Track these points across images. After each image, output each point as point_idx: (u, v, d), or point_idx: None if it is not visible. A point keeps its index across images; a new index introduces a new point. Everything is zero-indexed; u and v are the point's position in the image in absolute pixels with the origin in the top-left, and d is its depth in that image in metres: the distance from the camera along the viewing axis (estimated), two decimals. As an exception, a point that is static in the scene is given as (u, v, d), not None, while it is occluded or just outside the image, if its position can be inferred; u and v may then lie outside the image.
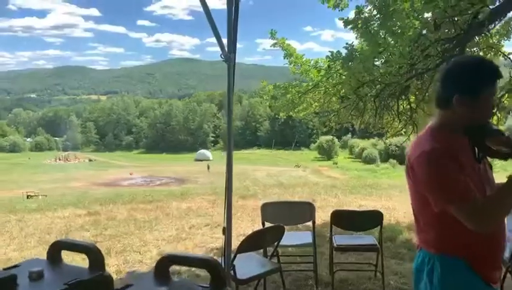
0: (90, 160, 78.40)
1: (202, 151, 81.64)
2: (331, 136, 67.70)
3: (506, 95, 5.75)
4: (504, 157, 1.87)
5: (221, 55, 2.57)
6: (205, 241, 6.25)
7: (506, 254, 3.27)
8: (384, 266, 4.27)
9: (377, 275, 4.40)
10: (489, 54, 5.82)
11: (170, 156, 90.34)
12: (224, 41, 2.61)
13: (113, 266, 5.09)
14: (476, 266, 1.66)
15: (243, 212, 8.36)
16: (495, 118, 5.80)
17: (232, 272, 3.22)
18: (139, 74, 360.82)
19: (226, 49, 2.57)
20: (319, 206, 9.04)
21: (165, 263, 1.25)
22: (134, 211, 8.98)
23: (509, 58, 5.66)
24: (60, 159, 78.85)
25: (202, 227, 7.18)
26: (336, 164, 61.89)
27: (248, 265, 3.53)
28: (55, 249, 1.30)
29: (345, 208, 8.71)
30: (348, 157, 71.27)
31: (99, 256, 1.24)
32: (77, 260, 2.60)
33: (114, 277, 4.73)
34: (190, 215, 8.42)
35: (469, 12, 4.05)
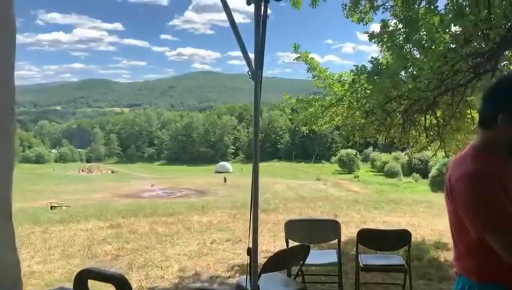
0: (112, 171, 79.62)
1: (222, 163, 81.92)
2: (353, 151, 67.07)
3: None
4: None
5: (248, 72, 2.52)
6: (227, 257, 6.17)
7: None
8: (412, 287, 4.12)
9: (405, 297, 4.23)
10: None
11: (191, 168, 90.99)
12: (251, 56, 2.57)
13: (135, 282, 5.06)
14: None
15: (264, 227, 8.26)
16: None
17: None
18: (161, 87, 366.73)
19: (253, 65, 2.53)
20: (342, 222, 8.88)
21: (83, 276, 1.17)
22: (155, 224, 8.98)
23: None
24: (83, 171, 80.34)
25: (224, 242, 7.11)
26: (357, 177, 61.13)
27: (272, 285, 3.44)
28: (82, 279, 1.25)
29: (369, 224, 8.54)
30: (370, 171, 70.34)
31: (128, 287, 1.18)
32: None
33: (136, 293, 4.70)
34: (211, 229, 8.37)
35: (502, 26, 3.92)
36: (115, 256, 6.32)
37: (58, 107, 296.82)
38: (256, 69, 2.49)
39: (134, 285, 4.93)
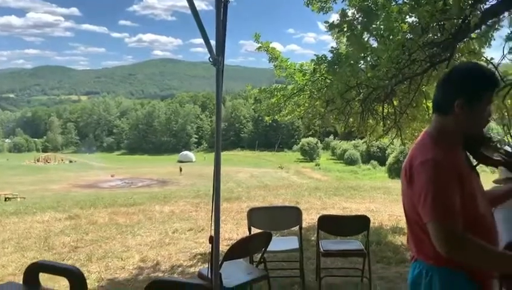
0: (70, 161, 77.04)
1: (185, 152, 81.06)
2: (314, 139, 68.11)
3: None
4: (496, 164, 1.88)
5: (209, 58, 2.48)
6: (189, 247, 6.14)
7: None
8: (371, 271, 4.26)
9: (364, 280, 4.37)
10: (471, 59, 5.88)
11: (152, 157, 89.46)
12: (212, 43, 2.53)
13: (95, 273, 4.96)
14: (477, 276, 1.63)
15: (227, 215, 8.27)
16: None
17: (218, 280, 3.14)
18: (121, 74, 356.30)
19: (215, 51, 2.49)
20: (303, 209, 9.03)
21: (34, 271, 1.14)
22: (115, 214, 8.80)
23: (492, 63, 5.73)
24: (39, 161, 77.23)
25: (186, 231, 7.07)
26: (318, 165, 62.24)
27: (235, 273, 3.46)
28: (33, 272, 1.19)
29: (330, 210, 8.73)
30: (330, 159, 71.75)
31: (82, 280, 1.14)
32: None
33: (95, 284, 4.61)
34: (173, 219, 8.29)
35: (458, 17, 4.06)
36: (73, 248, 6.16)
37: (12, 95, 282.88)
38: (218, 55, 2.46)
39: (93, 277, 4.83)
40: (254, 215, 4.39)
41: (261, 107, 7.34)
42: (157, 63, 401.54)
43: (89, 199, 12.60)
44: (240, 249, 3.40)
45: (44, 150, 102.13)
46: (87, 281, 4.69)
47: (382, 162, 54.43)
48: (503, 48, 5.23)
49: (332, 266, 4.85)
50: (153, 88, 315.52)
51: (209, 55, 2.52)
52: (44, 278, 1.35)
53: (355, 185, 14.33)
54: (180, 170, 48.07)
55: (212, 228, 2.56)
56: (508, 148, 1.88)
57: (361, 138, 7.68)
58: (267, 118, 7.35)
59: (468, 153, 1.79)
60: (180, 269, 5.21)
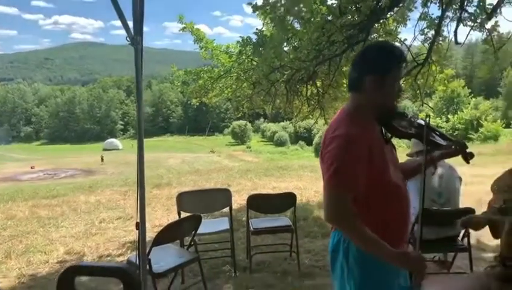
0: (-17, 153, 70.79)
1: (111, 140, 77.66)
2: (244, 121, 68.56)
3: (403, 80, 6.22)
4: (409, 137, 2.00)
5: (127, 38, 2.39)
6: (118, 235, 5.98)
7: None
8: (298, 246, 4.44)
9: (292, 255, 4.56)
10: (387, 40, 6.24)
11: (76, 146, 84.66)
12: (130, 24, 2.44)
13: (14, 270, 4.66)
14: (388, 242, 1.71)
15: (157, 202, 8.15)
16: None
17: (147, 266, 3.11)
18: (37, 59, 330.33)
19: (132, 31, 2.41)
20: (234, 191, 9.12)
21: (68, 277, 1.10)
22: (36, 207, 8.29)
23: (405, 44, 6.14)
24: None
25: (114, 220, 6.87)
26: (250, 148, 62.94)
27: (165, 257, 3.44)
28: None
29: (260, 191, 8.91)
30: (261, 141, 72.82)
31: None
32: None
33: (15, 281, 4.35)
34: (100, 208, 8.00)
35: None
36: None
37: None
38: (136, 34, 2.38)
39: (13, 273, 4.55)
40: (183, 199, 4.37)
41: (187, 90, 7.25)
42: (77, 47, 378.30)
43: (7, 192, 11.71)
44: (169, 234, 3.38)
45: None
46: (6, 279, 4.42)
47: (309, 142, 56.21)
48: (414, 28, 5.63)
49: (262, 243, 4.99)
50: (73, 73, 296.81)
51: (127, 35, 2.43)
52: None
53: (285, 165, 14.73)
54: (102, 159, 45.15)
55: (139, 213, 2.52)
56: (421, 121, 1.97)
57: (289, 120, 7.90)
58: (194, 101, 7.28)
59: (382, 127, 1.88)
60: (108, 258, 5.07)
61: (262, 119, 78.14)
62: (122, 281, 1.09)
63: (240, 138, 71.75)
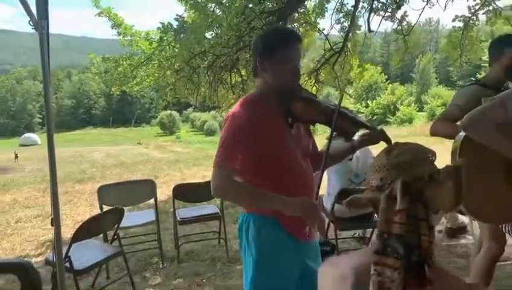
0: None
1: (28, 135, 71.99)
2: (171, 111, 67.24)
3: (322, 68, 6.45)
4: (313, 122, 1.98)
5: (29, 22, 2.22)
6: (36, 235, 5.63)
7: (329, 207, 3.75)
8: (226, 232, 4.47)
9: (221, 242, 4.58)
10: (307, 29, 6.43)
11: (-13, 143, 77.92)
12: (33, 10, 2.26)
13: None
14: (285, 224, 1.75)
15: (80, 197, 7.79)
16: (314, 88, 6.48)
17: (67, 264, 2.96)
18: None
19: (36, 15, 2.23)
20: (162, 182, 8.97)
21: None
22: None
23: (323, 33, 6.36)
24: None
25: (32, 219, 6.46)
26: (179, 138, 61.88)
27: (86, 253, 3.29)
28: None
29: (189, 180, 8.83)
30: (190, 131, 71.93)
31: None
32: None
33: None
34: (16, 207, 7.50)
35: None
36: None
37: None
38: (40, 18, 2.21)
39: None
40: (105, 193, 4.20)
41: (106, 78, 6.92)
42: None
43: None
44: (89, 229, 3.23)
45: None
46: None
47: (239, 130, 56.62)
48: (331, 18, 5.85)
49: (191, 232, 4.95)
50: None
51: (29, 19, 2.26)
52: None
53: (214, 154, 14.71)
54: (16, 156, 41.58)
55: (53, 209, 2.38)
56: (330, 105, 1.87)
57: (218, 108, 7.87)
58: (114, 89, 6.98)
59: (286, 110, 1.81)
60: (26, 259, 4.74)
61: (191, 109, 77.15)
62: (19, 278, 1.02)
63: (168, 128, 70.23)
